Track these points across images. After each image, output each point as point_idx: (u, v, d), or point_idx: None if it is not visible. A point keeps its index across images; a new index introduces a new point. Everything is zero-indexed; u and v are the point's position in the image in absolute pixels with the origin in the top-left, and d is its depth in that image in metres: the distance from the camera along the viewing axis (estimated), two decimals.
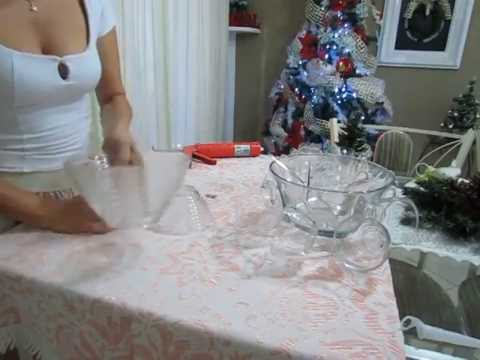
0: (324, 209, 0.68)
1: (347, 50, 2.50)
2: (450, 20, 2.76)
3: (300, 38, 2.65)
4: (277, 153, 2.69)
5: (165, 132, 2.36)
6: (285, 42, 2.94)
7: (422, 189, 0.96)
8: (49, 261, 0.62)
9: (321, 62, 2.50)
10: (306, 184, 0.81)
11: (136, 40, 1.95)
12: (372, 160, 1.97)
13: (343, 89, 2.52)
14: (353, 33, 2.52)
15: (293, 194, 0.71)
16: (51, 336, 0.59)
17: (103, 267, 0.61)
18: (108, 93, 0.89)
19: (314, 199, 0.68)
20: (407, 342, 0.50)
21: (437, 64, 2.86)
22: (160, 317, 0.50)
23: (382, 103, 2.59)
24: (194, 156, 1.19)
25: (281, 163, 0.79)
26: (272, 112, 2.97)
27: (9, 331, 0.62)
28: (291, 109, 2.76)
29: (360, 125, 1.68)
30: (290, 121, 2.76)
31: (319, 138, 2.63)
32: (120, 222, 0.63)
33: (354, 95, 2.53)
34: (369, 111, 2.64)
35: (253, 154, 1.27)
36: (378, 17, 2.68)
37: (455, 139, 2.01)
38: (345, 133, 1.72)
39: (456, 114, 2.69)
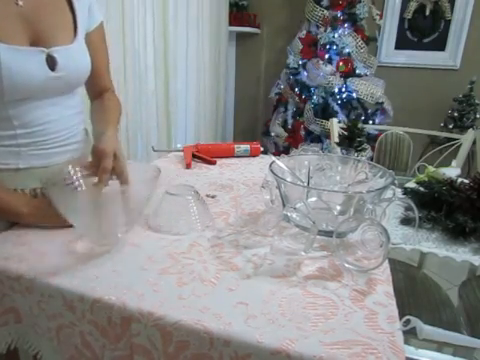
0: (324, 209, 0.68)
1: (347, 50, 2.51)
2: (450, 20, 2.77)
3: (300, 38, 2.65)
4: (277, 153, 2.69)
5: (165, 132, 2.36)
6: (285, 42, 2.94)
7: (422, 189, 0.96)
8: (49, 261, 0.62)
9: (321, 62, 2.50)
10: (306, 184, 0.81)
11: (136, 40, 1.95)
12: (372, 160, 1.97)
13: (343, 89, 2.52)
14: (353, 33, 2.52)
15: (293, 194, 0.71)
16: (51, 336, 0.59)
17: (103, 267, 0.61)
18: (97, 89, 0.90)
19: (314, 199, 0.68)
20: (407, 342, 0.49)
21: (437, 64, 2.86)
22: (160, 317, 0.50)
23: (382, 103, 2.59)
24: (194, 156, 1.19)
25: (281, 163, 0.79)
26: (272, 112, 2.97)
27: (9, 331, 0.62)
28: (291, 109, 2.76)
29: (360, 125, 1.68)
30: (290, 121, 2.76)
31: (319, 138, 2.64)
32: (97, 239, 0.68)
33: (354, 95, 2.53)
34: (369, 111, 2.64)
35: (253, 154, 1.27)
36: (378, 17, 2.68)
37: (455, 139, 2.01)
38: (345, 133, 1.72)
39: (456, 114, 2.69)
